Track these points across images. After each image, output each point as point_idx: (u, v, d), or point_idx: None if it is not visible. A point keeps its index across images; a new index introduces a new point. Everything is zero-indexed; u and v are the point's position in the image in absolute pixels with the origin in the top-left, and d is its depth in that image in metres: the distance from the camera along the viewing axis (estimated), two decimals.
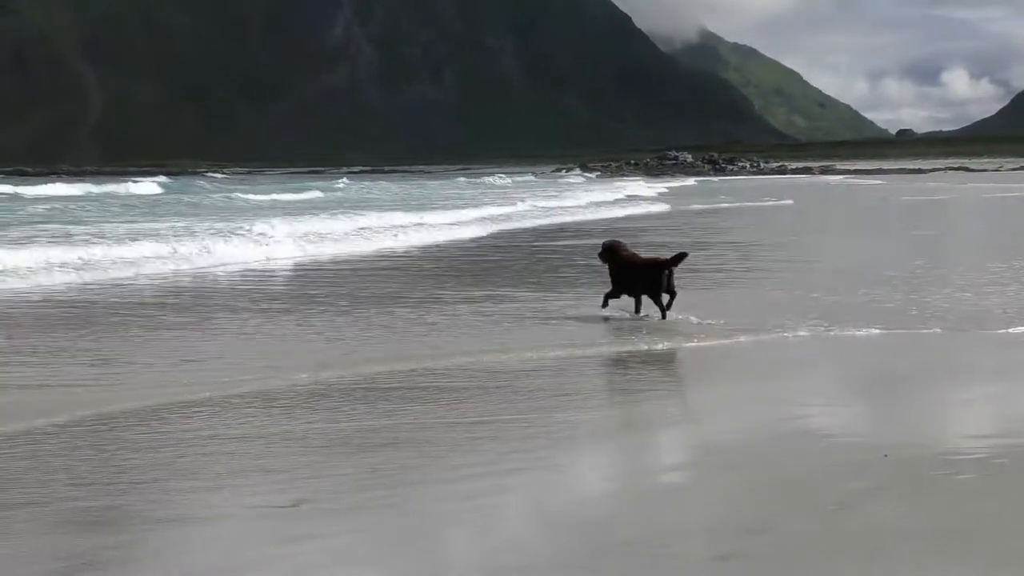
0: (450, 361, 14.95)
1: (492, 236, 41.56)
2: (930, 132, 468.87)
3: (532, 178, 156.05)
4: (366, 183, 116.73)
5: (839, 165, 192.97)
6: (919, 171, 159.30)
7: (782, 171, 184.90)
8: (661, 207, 63.74)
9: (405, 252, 34.16)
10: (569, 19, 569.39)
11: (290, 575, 7.27)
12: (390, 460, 10.30)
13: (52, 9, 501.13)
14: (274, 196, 75.58)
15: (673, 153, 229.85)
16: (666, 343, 16.44)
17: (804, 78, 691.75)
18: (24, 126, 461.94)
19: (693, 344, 16.45)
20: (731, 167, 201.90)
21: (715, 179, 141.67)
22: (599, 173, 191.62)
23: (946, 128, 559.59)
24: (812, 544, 7.70)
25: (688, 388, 14.11)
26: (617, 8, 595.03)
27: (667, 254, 18.65)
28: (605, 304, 18.69)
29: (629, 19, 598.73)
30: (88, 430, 11.22)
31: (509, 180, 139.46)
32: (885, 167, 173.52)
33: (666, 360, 15.68)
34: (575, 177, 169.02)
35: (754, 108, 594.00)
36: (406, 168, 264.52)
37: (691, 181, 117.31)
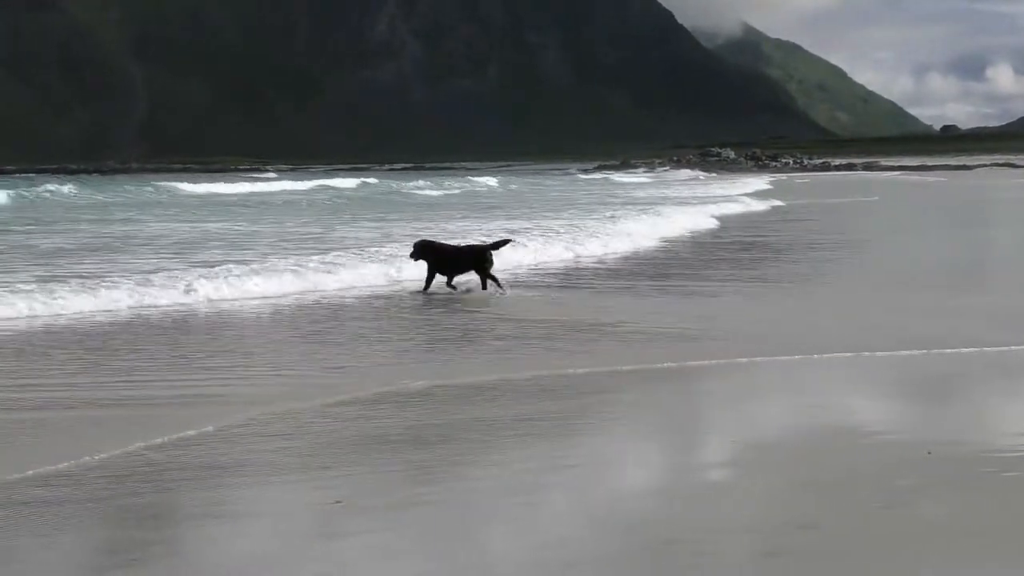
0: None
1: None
2: (974, 128, 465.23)
3: (633, 175, 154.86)
4: (462, 184, 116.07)
5: (883, 161, 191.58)
6: (964, 167, 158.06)
7: (825, 167, 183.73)
8: (777, 202, 62.78)
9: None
10: (612, 14, 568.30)
11: (333, 571, 7.29)
12: (434, 457, 10.31)
13: (98, 6, 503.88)
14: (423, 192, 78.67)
15: (716, 149, 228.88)
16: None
17: (848, 74, 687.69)
18: (70, 123, 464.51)
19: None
20: (774, 163, 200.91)
21: (783, 176, 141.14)
22: (666, 168, 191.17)
23: (991, 124, 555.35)
24: (858, 542, 7.65)
25: (741, 387, 14.04)
26: (660, 4, 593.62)
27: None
28: (427, 289, 21.94)
29: (671, 15, 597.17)
30: (138, 426, 11.29)
31: (596, 175, 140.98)
32: (929, 163, 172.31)
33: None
34: (657, 174, 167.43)
35: (797, 104, 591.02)
36: (448, 165, 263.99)
37: (763, 180, 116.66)
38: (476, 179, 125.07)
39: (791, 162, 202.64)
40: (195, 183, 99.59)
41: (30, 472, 9.49)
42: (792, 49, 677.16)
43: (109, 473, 9.57)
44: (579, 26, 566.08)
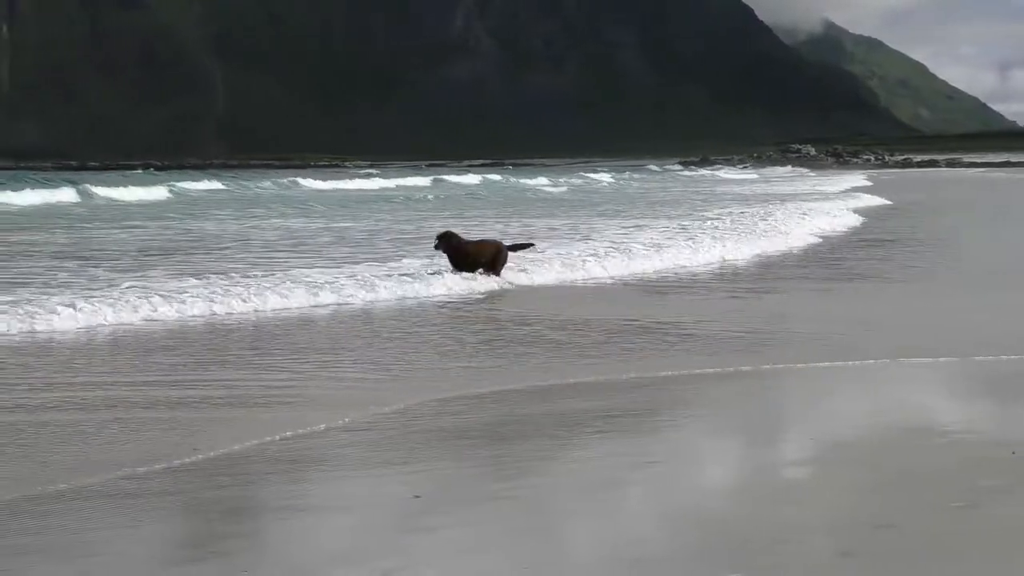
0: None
1: None
2: None
3: (738, 172, 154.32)
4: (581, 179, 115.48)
5: (966, 158, 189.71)
6: None
7: (907, 164, 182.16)
8: (882, 200, 62.04)
9: None
10: (691, 11, 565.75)
11: (411, 565, 7.31)
12: (512, 453, 10.32)
13: (181, 5, 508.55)
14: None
15: (796, 146, 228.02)
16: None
17: (931, 70, 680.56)
18: (151, 120, 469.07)
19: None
20: (855, 160, 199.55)
21: (873, 172, 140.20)
22: (746, 165, 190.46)
23: None
24: (938, 542, 7.57)
25: (819, 384, 13.93)
26: (740, 0, 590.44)
27: None
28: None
29: (752, 12, 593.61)
30: (220, 423, 11.39)
31: (701, 171, 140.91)
32: (1013, 160, 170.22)
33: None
34: (755, 170, 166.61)
35: (879, 101, 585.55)
36: (527, 162, 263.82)
37: (858, 176, 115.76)
38: (590, 175, 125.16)
39: (872, 159, 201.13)
40: (317, 180, 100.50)
41: (121, 472, 9.59)
42: (874, 45, 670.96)
43: (192, 468, 9.67)
44: (658, 22, 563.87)
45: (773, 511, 8.29)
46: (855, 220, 43.17)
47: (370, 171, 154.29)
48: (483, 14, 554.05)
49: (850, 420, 11.53)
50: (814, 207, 50.49)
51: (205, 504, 8.80)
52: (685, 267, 26.75)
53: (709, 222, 39.41)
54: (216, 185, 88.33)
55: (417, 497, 8.70)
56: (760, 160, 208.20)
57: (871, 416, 11.66)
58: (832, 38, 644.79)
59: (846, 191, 76.66)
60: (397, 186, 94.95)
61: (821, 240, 34.44)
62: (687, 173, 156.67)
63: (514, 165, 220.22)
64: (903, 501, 8.44)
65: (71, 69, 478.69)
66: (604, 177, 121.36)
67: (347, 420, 11.27)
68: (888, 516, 8.05)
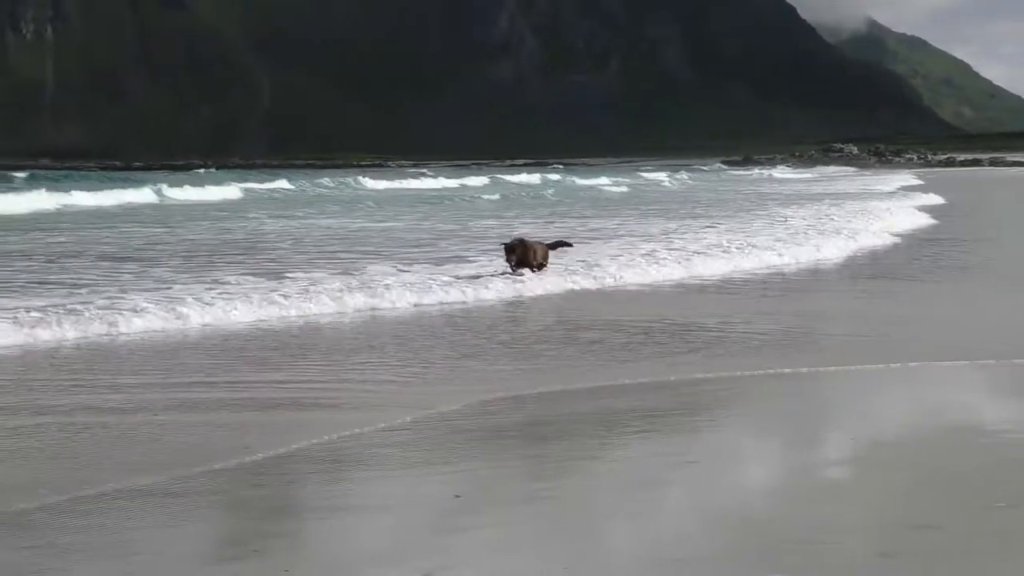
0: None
1: None
2: None
3: (793, 171, 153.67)
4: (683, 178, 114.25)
5: (1009, 157, 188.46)
6: None
7: (950, 163, 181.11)
8: (937, 198, 61.30)
9: None
10: (733, 9, 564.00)
11: (450, 564, 7.32)
12: (552, 453, 10.32)
13: (225, 5, 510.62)
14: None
15: (838, 145, 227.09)
16: None
17: (974, 68, 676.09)
18: (195, 120, 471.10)
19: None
20: (897, 159, 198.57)
21: (920, 171, 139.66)
22: (789, 165, 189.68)
23: None
24: (981, 543, 7.52)
25: (858, 383, 13.85)
26: None
27: None
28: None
29: (794, 10, 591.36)
30: (264, 421, 11.44)
31: (757, 171, 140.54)
32: None
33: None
34: (809, 169, 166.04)
35: (921, 99, 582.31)
36: (570, 161, 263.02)
37: (907, 175, 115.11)
38: (645, 175, 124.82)
39: (915, 158, 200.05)
40: (380, 179, 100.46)
41: (162, 477, 9.65)
42: (917, 44, 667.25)
43: (235, 467, 9.71)
44: (700, 20, 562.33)
45: (813, 511, 8.26)
46: (924, 219, 42.89)
47: (424, 171, 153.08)
48: (527, 13, 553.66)
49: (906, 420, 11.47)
50: (879, 205, 50.51)
51: (246, 503, 8.84)
52: (775, 266, 26.40)
53: (789, 220, 39.42)
54: (284, 184, 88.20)
55: (457, 497, 8.71)
56: (801, 159, 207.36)
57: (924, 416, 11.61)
58: (875, 37, 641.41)
59: (900, 189, 76.74)
60: (460, 185, 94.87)
61: (900, 239, 34.04)
62: (740, 172, 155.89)
63: (564, 164, 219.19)
64: (944, 501, 8.39)
65: (115, 70, 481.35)
66: (659, 176, 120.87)
67: (383, 425, 11.27)
68: (929, 517, 8.01)
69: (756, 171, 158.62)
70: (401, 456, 10.04)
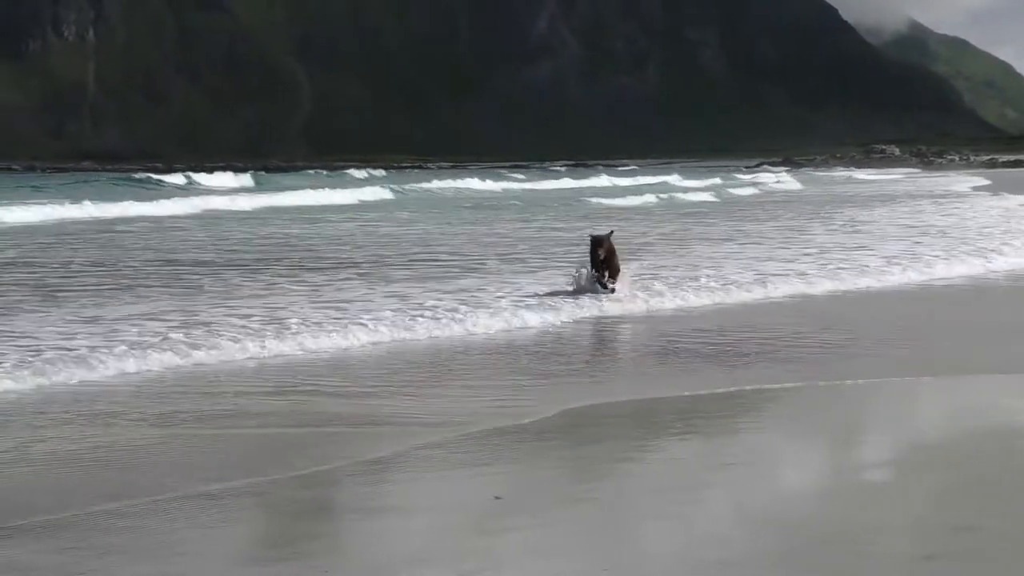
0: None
1: None
2: None
3: (879, 173, 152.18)
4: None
5: None
6: None
7: (992, 164, 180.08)
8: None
9: None
10: (773, 10, 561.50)
11: (489, 566, 7.32)
12: (593, 454, 10.31)
13: (263, 7, 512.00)
14: None
15: (880, 147, 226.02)
16: None
17: (1016, 69, 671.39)
18: (234, 121, 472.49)
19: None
20: (939, 160, 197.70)
21: (975, 172, 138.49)
22: (829, 165, 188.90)
23: None
24: (1021, 545, 7.46)
25: (897, 385, 13.78)
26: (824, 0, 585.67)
27: None
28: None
29: (835, 11, 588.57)
30: (310, 426, 11.47)
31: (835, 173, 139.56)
32: None
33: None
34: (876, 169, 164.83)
35: (964, 101, 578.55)
36: (609, 162, 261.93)
37: (971, 176, 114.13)
38: (740, 176, 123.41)
39: (956, 159, 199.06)
40: (484, 181, 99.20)
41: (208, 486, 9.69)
42: (960, 45, 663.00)
43: (276, 472, 9.74)
44: (739, 22, 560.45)
45: (855, 514, 8.22)
46: None
47: (518, 174, 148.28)
48: (566, 15, 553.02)
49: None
50: (997, 204, 50.49)
51: (287, 505, 8.86)
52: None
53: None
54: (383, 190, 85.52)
55: (498, 498, 8.70)
56: (843, 160, 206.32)
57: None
58: (917, 38, 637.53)
59: (977, 188, 76.40)
60: (555, 188, 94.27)
61: None
62: (821, 173, 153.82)
63: (603, 165, 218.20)
64: (986, 504, 8.34)
65: (156, 72, 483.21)
66: (768, 176, 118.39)
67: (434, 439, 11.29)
68: (971, 519, 7.96)
69: (836, 173, 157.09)
70: (442, 457, 10.05)
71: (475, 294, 20.37)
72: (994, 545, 7.48)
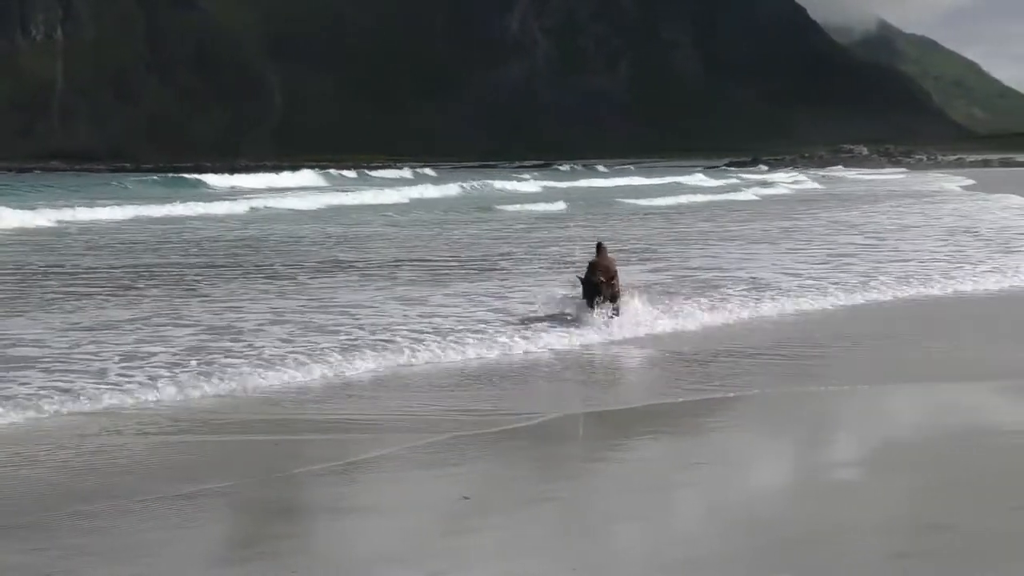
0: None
1: None
2: None
3: (879, 173, 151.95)
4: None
5: (1019, 157, 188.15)
6: None
7: (960, 164, 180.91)
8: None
9: None
10: (744, 11, 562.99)
11: (457, 565, 7.29)
12: (561, 454, 10.31)
13: (235, 5, 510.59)
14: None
15: (848, 146, 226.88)
16: None
17: (984, 69, 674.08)
18: (206, 121, 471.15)
19: None
20: (907, 160, 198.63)
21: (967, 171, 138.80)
22: (796, 168, 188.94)
23: None
24: (993, 543, 7.48)
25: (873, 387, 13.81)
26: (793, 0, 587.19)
27: None
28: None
29: (804, 10, 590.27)
30: (280, 433, 11.45)
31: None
32: None
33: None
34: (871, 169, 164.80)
35: (932, 101, 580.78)
36: (583, 162, 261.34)
37: (962, 175, 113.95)
38: (748, 176, 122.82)
39: (924, 158, 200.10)
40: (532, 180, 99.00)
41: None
42: (928, 45, 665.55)
43: (246, 475, 9.72)
44: (711, 22, 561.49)
45: (826, 513, 8.24)
46: None
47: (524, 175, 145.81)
48: (539, 14, 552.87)
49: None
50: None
51: (257, 506, 8.84)
52: None
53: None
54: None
55: (466, 498, 8.70)
56: (811, 160, 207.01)
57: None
58: (885, 38, 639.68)
59: (967, 188, 76.93)
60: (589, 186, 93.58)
61: None
62: (822, 173, 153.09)
63: (574, 166, 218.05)
64: (958, 503, 8.37)
65: (126, 71, 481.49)
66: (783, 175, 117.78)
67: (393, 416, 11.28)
68: (942, 518, 7.98)
69: (835, 173, 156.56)
70: (411, 456, 10.03)
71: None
72: (966, 543, 7.49)
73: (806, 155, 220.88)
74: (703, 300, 19.40)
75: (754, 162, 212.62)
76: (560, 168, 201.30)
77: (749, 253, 29.24)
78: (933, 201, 58.42)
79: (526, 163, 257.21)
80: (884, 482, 9.08)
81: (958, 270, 24.26)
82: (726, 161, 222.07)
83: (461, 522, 8.17)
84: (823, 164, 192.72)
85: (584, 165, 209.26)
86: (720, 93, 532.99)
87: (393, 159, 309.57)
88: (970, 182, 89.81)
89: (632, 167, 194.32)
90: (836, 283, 22.02)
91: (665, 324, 17.29)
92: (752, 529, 7.88)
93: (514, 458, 10.20)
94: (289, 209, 55.68)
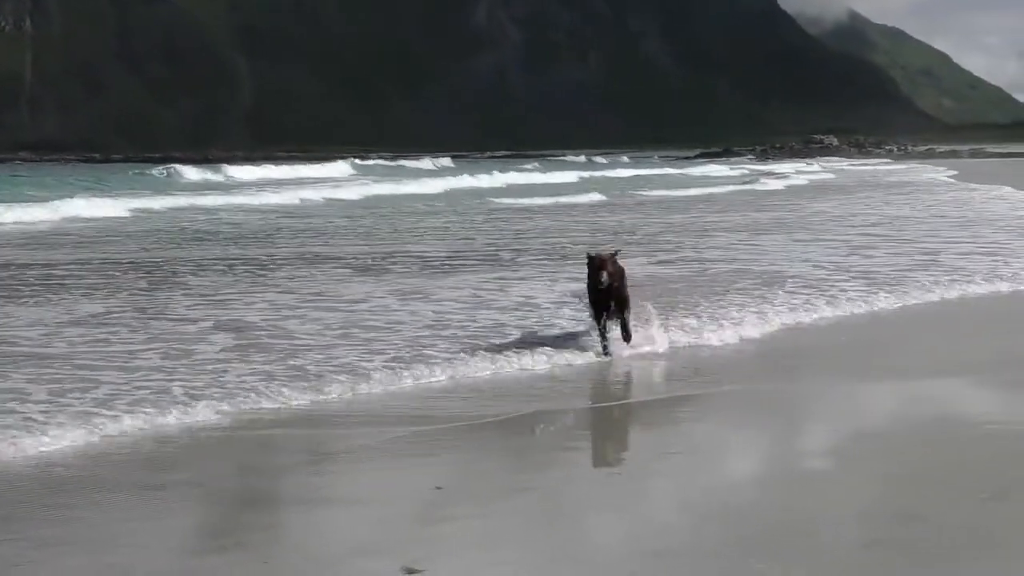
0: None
1: None
2: None
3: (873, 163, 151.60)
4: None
5: (989, 148, 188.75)
6: None
7: (930, 154, 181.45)
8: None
9: None
10: (717, 1, 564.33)
11: (431, 556, 7.25)
12: (535, 444, 10.28)
13: None
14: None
15: (819, 137, 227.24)
16: None
17: (954, 60, 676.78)
18: (175, 112, 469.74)
19: None
20: (877, 151, 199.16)
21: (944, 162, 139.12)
22: (768, 157, 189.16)
23: None
24: (964, 533, 7.49)
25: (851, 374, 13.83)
26: None
27: None
28: None
29: (774, 1, 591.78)
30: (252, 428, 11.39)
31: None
32: None
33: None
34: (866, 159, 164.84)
35: (901, 91, 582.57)
36: (549, 153, 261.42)
37: (945, 166, 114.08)
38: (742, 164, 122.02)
39: (895, 149, 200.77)
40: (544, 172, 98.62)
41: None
42: (898, 35, 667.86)
43: (217, 466, 9.66)
44: (682, 12, 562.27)
45: (799, 502, 8.24)
46: None
47: (533, 165, 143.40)
48: (508, 4, 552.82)
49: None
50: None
51: (228, 496, 8.79)
52: None
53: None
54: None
55: (439, 489, 8.67)
56: (782, 151, 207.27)
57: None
58: (856, 28, 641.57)
59: (951, 179, 77.31)
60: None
61: None
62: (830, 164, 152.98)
63: (541, 156, 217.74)
64: (930, 492, 8.37)
65: (95, 62, 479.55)
66: (717, 169, 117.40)
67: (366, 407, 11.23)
68: (915, 507, 7.98)
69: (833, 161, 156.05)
70: (383, 448, 9.98)
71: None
72: (938, 533, 7.49)
73: (777, 145, 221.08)
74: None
75: (726, 153, 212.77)
76: (564, 159, 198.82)
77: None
78: (931, 191, 58.29)
79: (497, 154, 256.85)
80: (857, 470, 9.08)
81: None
82: (697, 152, 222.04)
83: (435, 512, 8.13)
84: (795, 155, 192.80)
85: (589, 158, 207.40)
86: (692, 84, 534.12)
87: (365, 150, 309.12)
88: (953, 172, 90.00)
89: (626, 158, 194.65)
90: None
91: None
92: (727, 518, 7.86)
93: (489, 449, 10.16)
94: (333, 199, 56.24)
